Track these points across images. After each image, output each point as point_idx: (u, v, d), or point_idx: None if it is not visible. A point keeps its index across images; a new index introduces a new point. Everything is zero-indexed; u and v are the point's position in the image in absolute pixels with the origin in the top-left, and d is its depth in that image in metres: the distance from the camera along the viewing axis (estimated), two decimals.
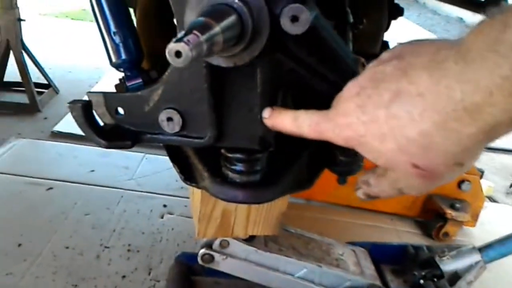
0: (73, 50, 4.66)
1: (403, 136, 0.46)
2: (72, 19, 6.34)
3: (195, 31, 0.45)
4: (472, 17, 7.64)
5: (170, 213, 2.02)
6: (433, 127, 0.44)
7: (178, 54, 0.43)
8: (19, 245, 1.74)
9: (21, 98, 3.16)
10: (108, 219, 1.94)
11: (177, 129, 0.71)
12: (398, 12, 1.17)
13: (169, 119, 0.70)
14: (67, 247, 1.75)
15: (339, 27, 0.75)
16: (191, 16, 0.57)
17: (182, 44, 0.43)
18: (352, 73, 0.65)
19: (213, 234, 1.09)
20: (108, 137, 0.73)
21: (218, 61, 0.59)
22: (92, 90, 3.49)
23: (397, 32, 1.24)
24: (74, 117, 0.72)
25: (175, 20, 0.63)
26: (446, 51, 0.43)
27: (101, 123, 0.75)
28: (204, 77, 0.64)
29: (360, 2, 1.03)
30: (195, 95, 0.67)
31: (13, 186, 2.13)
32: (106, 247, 1.78)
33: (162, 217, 1.99)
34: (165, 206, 2.07)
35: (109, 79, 3.70)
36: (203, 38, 0.45)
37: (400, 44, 0.52)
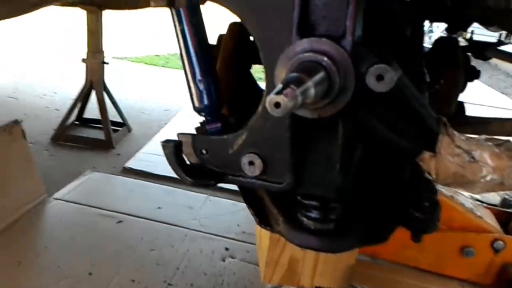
0: (146, 92, 4.92)
1: None
2: (146, 63, 6.73)
3: (292, 85, 0.49)
4: None
5: (232, 257, 2.04)
6: None
7: (277, 105, 0.48)
8: (90, 273, 1.83)
9: (97, 134, 3.37)
10: (172, 257, 1.99)
11: (257, 173, 0.75)
12: (474, 74, 1.17)
13: (251, 163, 0.74)
14: (133, 280, 1.82)
15: (415, 86, 0.78)
16: (281, 70, 0.61)
17: (281, 96, 0.47)
18: (433, 133, 0.67)
19: (279, 280, 1.10)
20: (194, 175, 0.79)
21: (303, 112, 0.63)
22: (162, 131, 3.67)
23: (470, 93, 1.25)
24: (166, 155, 0.77)
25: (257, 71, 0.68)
26: None
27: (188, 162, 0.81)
28: (288, 126, 0.68)
29: (437, 63, 1.06)
30: (278, 142, 0.71)
31: (87, 216, 2.26)
32: (169, 284, 1.82)
33: (223, 260, 2.02)
34: (227, 249, 2.10)
35: (177, 121, 3.88)
36: (298, 91, 0.49)
37: None
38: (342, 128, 0.66)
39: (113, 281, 1.80)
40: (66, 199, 2.39)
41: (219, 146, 0.78)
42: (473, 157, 0.67)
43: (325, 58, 0.57)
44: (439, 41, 1.16)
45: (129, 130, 3.64)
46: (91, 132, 3.45)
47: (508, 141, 0.69)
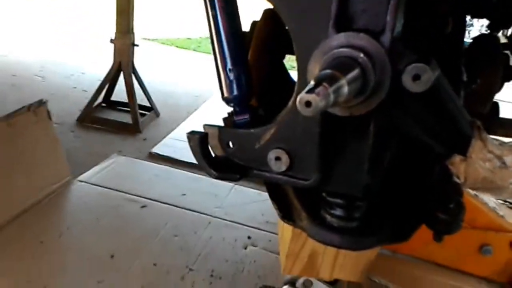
0: (176, 76, 4.94)
1: None
2: (177, 47, 6.74)
3: (324, 83, 0.47)
4: None
5: (254, 245, 2.05)
6: None
7: (308, 104, 0.46)
8: (112, 256, 1.86)
9: (125, 117, 3.39)
10: (195, 243, 2.01)
11: (283, 168, 0.73)
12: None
13: (277, 158, 0.73)
14: (155, 264, 1.84)
15: (452, 84, 0.75)
16: (314, 66, 0.59)
17: (313, 95, 0.46)
18: (466, 137, 0.64)
19: (299, 272, 1.10)
20: (219, 168, 0.78)
21: (334, 109, 0.61)
22: (190, 117, 3.67)
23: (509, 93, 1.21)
24: (191, 146, 0.77)
25: (289, 61, 0.66)
26: None
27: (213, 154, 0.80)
28: (318, 123, 0.66)
29: (476, 61, 1.02)
30: (306, 139, 0.69)
31: (111, 200, 2.29)
32: (191, 269, 1.84)
33: (245, 248, 2.02)
34: (249, 237, 2.11)
35: (206, 108, 3.87)
36: (331, 89, 0.47)
37: None
38: (373, 127, 0.64)
39: (135, 264, 1.82)
40: (90, 182, 2.43)
41: (246, 139, 0.76)
42: (504, 163, 0.65)
43: (361, 55, 0.55)
44: (479, 38, 1.11)
45: (157, 115, 3.64)
46: (118, 115, 3.48)
47: None
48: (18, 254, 1.80)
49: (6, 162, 2.00)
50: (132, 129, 3.29)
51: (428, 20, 0.78)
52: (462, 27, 0.91)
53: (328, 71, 0.51)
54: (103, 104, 3.58)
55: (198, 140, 0.76)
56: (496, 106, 1.15)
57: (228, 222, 2.21)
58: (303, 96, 0.46)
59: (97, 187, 2.39)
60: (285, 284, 1.19)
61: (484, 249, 1.92)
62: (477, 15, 1.08)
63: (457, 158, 0.65)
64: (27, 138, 2.11)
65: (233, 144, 0.78)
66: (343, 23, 0.58)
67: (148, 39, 6.61)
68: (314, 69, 0.59)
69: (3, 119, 2.00)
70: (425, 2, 0.76)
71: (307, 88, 0.47)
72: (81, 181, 2.42)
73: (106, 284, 1.69)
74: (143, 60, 4.10)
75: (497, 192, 0.69)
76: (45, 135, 2.23)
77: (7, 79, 3.98)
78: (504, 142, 0.67)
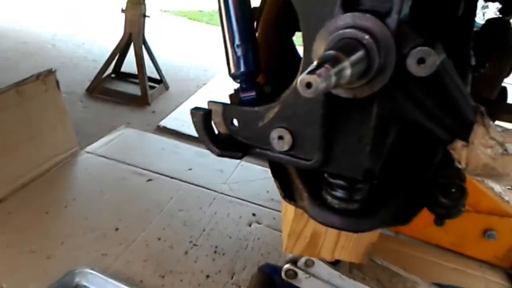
0: (186, 49, 4.89)
1: None
2: (189, 18, 6.66)
3: (326, 65, 0.47)
4: None
5: (258, 223, 2.06)
6: None
7: (308, 85, 0.45)
8: (117, 229, 1.88)
9: (134, 89, 3.37)
10: (199, 218, 2.03)
11: (286, 148, 0.73)
12: None
13: (280, 137, 0.73)
14: (159, 238, 1.86)
15: (459, 68, 0.74)
16: (320, 45, 0.59)
17: (314, 76, 0.45)
18: (468, 122, 0.64)
19: (300, 251, 1.11)
20: (222, 146, 0.78)
21: (338, 91, 0.61)
22: (199, 91, 3.66)
23: None
24: (194, 123, 0.77)
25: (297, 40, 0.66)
26: None
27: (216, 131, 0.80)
28: (321, 103, 0.66)
29: (485, 45, 1.01)
30: (309, 119, 0.69)
31: (118, 172, 2.30)
32: (194, 244, 1.86)
33: (250, 225, 2.04)
34: (254, 215, 2.12)
35: (216, 83, 3.85)
36: (333, 71, 0.47)
37: None
38: (376, 110, 0.64)
39: (139, 238, 1.84)
40: (97, 153, 2.44)
41: (250, 118, 0.76)
42: (506, 150, 0.64)
43: (367, 36, 0.54)
44: (489, 22, 1.10)
45: (166, 87, 3.62)
46: (127, 86, 3.45)
47: None
48: (23, 224, 1.82)
49: (14, 131, 2.01)
50: (141, 101, 3.28)
51: (438, 3, 0.77)
52: (473, 10, 0.90)
53: (331, 52, 0.50)
54: (113, 75, 3.56)
55: (202, 116, 0.76)
56: (504, 91, 1.14)
57: (233, 199, 2.22)
58: (304, 77, 0.46)
59: (104, 158, 2.40)
60: (287, 262, 1.20)
61: (488, 234, 1.92)
62: None
63: (458, 143, 0.65)
64: (35, 107, 2.11)
65: (237, 122, 0.78)
66: (350, 3, 0.57)
67: (160, 10, 6.53)
68: (319, 49, 0.59)
69: (12, 86, 2.00)
70: None
71: (308, 69, 0.46)
72: (88, 152, 2.43)
73: (110, 257, 1.72)
74: (154, 31, 4.05)
75: (498, 179, 0.69)
76: (54, 105, 2.23)
77: (18, 46, 3.97)
78: (507, 129, 0.67)
